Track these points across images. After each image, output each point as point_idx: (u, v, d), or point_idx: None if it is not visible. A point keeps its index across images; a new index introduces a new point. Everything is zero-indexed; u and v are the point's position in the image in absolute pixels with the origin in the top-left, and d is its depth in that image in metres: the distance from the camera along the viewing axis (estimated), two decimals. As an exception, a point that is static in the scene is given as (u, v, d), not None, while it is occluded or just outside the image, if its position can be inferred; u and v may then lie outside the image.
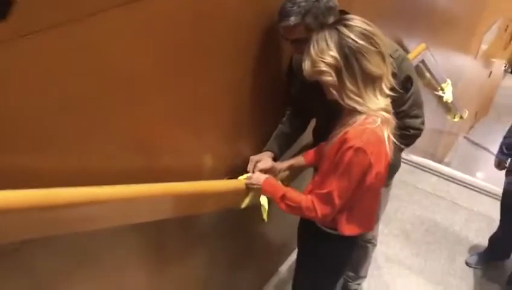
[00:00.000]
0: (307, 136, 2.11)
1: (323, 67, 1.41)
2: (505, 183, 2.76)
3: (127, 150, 1.36)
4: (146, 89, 1.31)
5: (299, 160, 1.90)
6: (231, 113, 1.78)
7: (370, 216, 1.74)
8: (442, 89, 4.27)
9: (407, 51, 3.17)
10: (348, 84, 1.40)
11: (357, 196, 1.54)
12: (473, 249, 3.27)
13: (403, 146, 1.92)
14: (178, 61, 1.38)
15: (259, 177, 1.76)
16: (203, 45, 1.45)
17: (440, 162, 5.89)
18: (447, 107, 4.96)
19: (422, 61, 3.44)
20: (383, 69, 1.42)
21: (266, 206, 1.83)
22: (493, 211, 3.29)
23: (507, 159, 2.84)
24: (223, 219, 1.99)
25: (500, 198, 2.95)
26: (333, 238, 1.69)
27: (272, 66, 1.92)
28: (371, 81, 1.41)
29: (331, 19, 1.62)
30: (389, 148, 1.49)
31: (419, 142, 2.00)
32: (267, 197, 1.81)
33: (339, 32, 1.39)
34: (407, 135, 1.88)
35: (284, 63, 1.94)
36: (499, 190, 2.94)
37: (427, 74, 3.83)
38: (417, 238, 3.33)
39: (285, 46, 1.80)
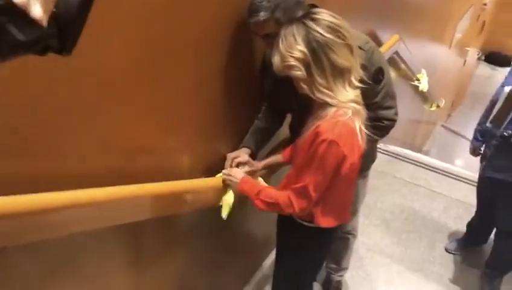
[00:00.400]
0: (285, 130, 2.12)
1: (292, 62, 1.42)
2: (480, 169, 2.81)
3: (101, 151, 1.34)
4: (118, 89, 1.31)
5: (278, 158, 1.91)
6: (206, 111, 1.77)
7: (345, 207, 1.76)
8: (417, 79, 4.31)
9: (380, 43, 3.20)
10: (317, 78, 1.42)
11: (331, 188, 1.55)
12: (452, 235, 3.33)
13: (377, 137, 1.95)
14: (149, 60, 1.37)
15: (237, 173, 1.76)
16: (174, 43, 1.45)
17: (419, 151, 5.97)
18: (424, 97, 5.02)
19: (396, 53, 3.46)
20: (351, 61, 1.44)
21: (231, 202, 1.82)
22: (471, 197, 3.34)
23: (481, 145, 2.90)
24: (204, 216, 1.99)
25: (476, 184, 3.01)
26: (310, 231, 1.71)
27: (246, 61, 1.92)
28: (340, 73, 1.43)
29: (300, 13, 1.61)
30: (361, 139, 1.50)
31: (397, 132, 2.02)
32: (236, 196, 1.82)
33: (306, 26, 1.40)
34: (381, 126, 1.90)
35: (258, 58, 1.94)
36: (475, 176, 3.00)
37: (402, 65, 3.86)
38: (397, 227, 3.37)
39: (258, 41, 1.81)
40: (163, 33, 1.39)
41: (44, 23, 0.51)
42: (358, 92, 1.50)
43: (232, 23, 1.70)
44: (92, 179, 1.29)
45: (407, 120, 5.00)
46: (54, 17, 0.52)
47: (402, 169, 4.06)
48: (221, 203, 1.83)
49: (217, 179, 1.83)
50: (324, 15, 1.42)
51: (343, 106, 1.46)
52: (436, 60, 5.71)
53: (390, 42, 3.28)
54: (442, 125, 7.48)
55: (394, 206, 3.59)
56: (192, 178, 1.78)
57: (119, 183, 1.35)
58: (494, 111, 2.38)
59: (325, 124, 1.45)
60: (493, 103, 2.53)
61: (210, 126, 1.84)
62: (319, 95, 1.45)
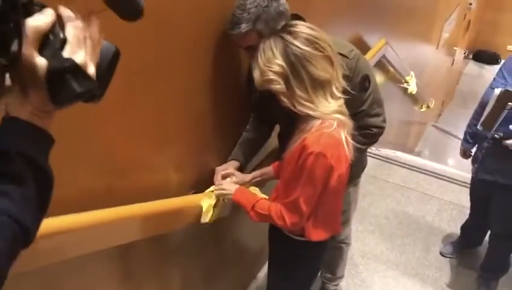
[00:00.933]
0: (274, 141, 2.09)
1: (271, 76, 1.41)
2: (472, 171, 2.80)
3: (87, 171, 1.31)
4: (104, 106, 1.27)
5: (267, 170, 1.88)
6: (192, 124, 1.75)
7: (335, 219, 1.74)
8: (406, 82, 4.32)
9: (368, 47, 3.18)
10: (297, 91, 1.41)
11: (321, 200, 1.53)
12: (446, 238, 3.31)
13: (366, 146, 1.93)
14: (136, 75, 1.34)
15: (229, 185, 1.74)
16: (160, 58, 1.42)
17: (411, 152, 5.97)
18: (414, 99, 5.03)
19: (384, 57, 3.45)
20: (331, 73, 1.42)
21: (211, 207, 1.78)
22: (464, 199, 3.33)
23: (472, 147, 2.88)
24: (195, 231, 1.95)
25: (468, 185, 3.00)
26: (302, 244, 1.68)
27: (233, 74, 1.90)
28: (320, 86, 1.42)
29: (283, 23, 1.60)
30: (348, 150, 1.49)
31: (388, 134, 2.01)
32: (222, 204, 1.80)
33: (284, 39, 1.40)
34: (370, 134, 1.88)
35: (244, 69, 1.91)
36: (468, 176, 2.98)
37: (390, 68, 3.86)
38: (391, 232, 3.35)
39: (243, 53, 1.78)
40: (154, 49, 1.38)
41: (95, 77, 0.64)
42: (341, 102, 1.49)
43: (219, 35, 1.67)
44: (77, 200, 1.26)
45: (397, 122, 5.00)
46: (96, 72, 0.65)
47: (394, 173, 4.04)
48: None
49: (207, 195, 1.79)
50: (302, 27, 1.42)
51: (327, 117, 1.44)
52: (424, 61, 5.72)
53: (377, 47, 3.27)
54: (433, 125, 7.49)
55: (388, 211, 3.56)
56: (181, 193, 1.76)
57: (107, 204, 1.33)
58: (485, 113, 2.37)
59: (310, 137, 1.43)
60: (483, 105, 2.52)
61: (198, 139, 1.81)
62: (300, 108, 1.44)
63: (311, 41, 1.39)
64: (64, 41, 0.61)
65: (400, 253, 3.16)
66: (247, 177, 1.85)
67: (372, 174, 3.87)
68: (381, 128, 1.91)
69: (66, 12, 0.63)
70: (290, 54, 1.38)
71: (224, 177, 1.82)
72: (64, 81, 0.60)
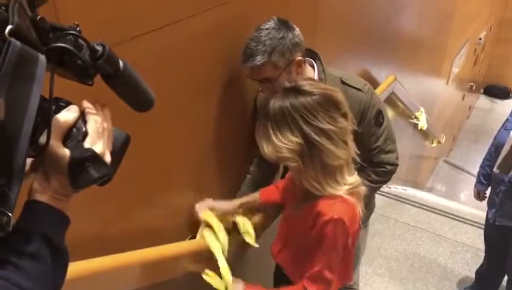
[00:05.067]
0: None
1: (287, 154, 1.31)
2: (488, 216, 2.68)
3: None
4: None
5: (254, 198, 1.77)
6: (193, 167, 1.69)
7: (348, 269, 1.66)
8: (416, 118, 4.25)
9: (377, 83, 3.13)
10: (309, 171, 1.34)
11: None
12: (460, 283, 3.17)
13: (379, 185, 1.87)
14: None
15: (238, 286, 1.61)
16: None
17: (422, 187, 5.84)
18: (424, 134, 4.95)
19: (393, 93, 3.40)
20: (343, 155, 1.34)
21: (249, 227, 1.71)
22: (478, 241, 3.21)
23: (486, 189, 2.79)
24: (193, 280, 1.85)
25: (482, 226, 2.88)
26: None
27: (237, 109, 1.85)
28: (332, 170, 1.35)
29: (299, 55, 1.58)
30: (360, 210, 1.43)
31: (399, 170, 1.94)
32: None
33: (300, 111, 1.29)
34: (383, 171, 1.82)
35: (249, 104, 1.88)
36: (481, 215, 2.86)
37: (400, 104, 3.79)
38: (402, 275, 3.21)
39: (249, 86, 1.73)
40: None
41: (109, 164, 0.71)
42: (355, 177, 1.42)
43: (227, 68, 1.66)
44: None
45: (408, 157, 4.91)
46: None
47: (405, 212, 3.91)
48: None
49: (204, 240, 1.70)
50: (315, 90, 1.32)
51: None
52: (434, 96, 5.67)
53: (386, 83, 3.22)
54: (445, 160, 7.37)
55: (398, 252, 3.43)
56: (176, 239, 1.67)
57: (99, 251, 1.28)
58: (501, 156, 2.28)
59: (324, 204, 1.38)
60: (497, 147, 2.44)
61: (199, 181, 1.76)
62: (306, 184, 1.38)
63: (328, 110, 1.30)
64: (86, 134, 0.69)
65: (411, 298, 3.01)
66: (229, 205, 1.75)
67: (382, 213, 3.75)
68: (395, 166, 1.85)
69: (88, 106, 0.72)
70: (308, 131, 1.28)
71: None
72: (85, 168, 0.67)
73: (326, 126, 1.28)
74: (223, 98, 1.69)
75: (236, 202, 1.78)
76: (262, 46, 1.53)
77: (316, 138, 1.28)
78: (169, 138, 1.52)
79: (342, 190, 1.37)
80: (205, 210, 1.69)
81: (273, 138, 1.30)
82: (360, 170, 1.73)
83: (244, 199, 1.80)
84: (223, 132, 1.76)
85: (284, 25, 1.57)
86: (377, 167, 1.80)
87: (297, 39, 1.58)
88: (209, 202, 1.74)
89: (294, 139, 1.28)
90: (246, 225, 1.73)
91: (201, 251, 1.68)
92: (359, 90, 1.69)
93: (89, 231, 1.33)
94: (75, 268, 1.18)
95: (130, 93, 0.73)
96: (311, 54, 1.74)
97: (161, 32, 1.32)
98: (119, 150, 0.76)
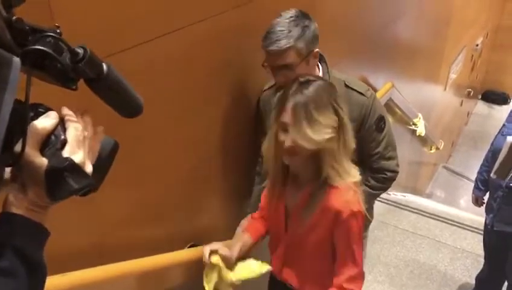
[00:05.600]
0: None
1: (332, 133, 1.31)
2: (486, 221, 2.68)
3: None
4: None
5: (246, 239, 1.62)
6: (192, 169, 1.69)
7: None
8: (414, 124, 4.26)
9: (374, 90, 3.13)
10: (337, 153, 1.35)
11: None
12: (460, 289, 3.18)
13: (379, 191, 1.86)
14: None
15: None
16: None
17: (422, 194, 5.84)
18: (422, 140, 4.96)
19: (391, 100, 3.41)
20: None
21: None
22: (478, 247, 3.20)
23: (484, 195, 2.79)
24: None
25: (482, 231, 2.87)
26: None
27: (239, 119, 1.86)
28: (349, 153, 1.38)
29: (317, 47, 1.60)
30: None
31: (399, 176, 1.93)
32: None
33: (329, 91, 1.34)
34: (384, 178, 1.81)
35: (250, 116, 1.89)
36: (481, 220, 2.86)
37: (398, 111, 3.81)
38: (402, 282, 3.20)
39: (250, 90, 1.73)
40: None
41: (91, 175, 0.67)
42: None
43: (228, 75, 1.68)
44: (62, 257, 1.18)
45: (407, 164, 4.91)
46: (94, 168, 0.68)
47: (404, 218, 3.91)
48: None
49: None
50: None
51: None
52: (432, 102, 5.68)
53: (384, 90, 3.24)
54: (444, 166, 7.37)
55: (398, 259, 3.42)
56: (175, 248, 1.67)
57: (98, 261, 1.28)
58: (498, 162, 2.28)
59: (336, 198, 1.38)
60: (494, 153, 2.44)
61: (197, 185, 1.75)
62: (329, 170, 1.36)
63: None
64: (64, 142, 0.65)
65: (411, 305, 3.00)
66: (234, 253, 1.56)
67: (382, 220, 3.74)
68: (395, 173, 1.84)
69: (68, 113, 0.67)
70: (338, 108, 1.32)
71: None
72: (63, 178, 0.63)
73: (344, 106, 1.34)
74: (225, 104, 1.71)
75: (237, 250, 1.58)
76: (288, 31, 1.52)
77: (343, 116, 1.33)
78: (171, 144, 1.53)
79: (355, 177, 1.39)
80: (214, 254, 1.54)
81: (320, 119, 1.28)
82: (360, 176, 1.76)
83: (241, 245, 1.59)
84: (227, 136, 1.78)
85: (306, 15, 1.58)
86: (376, 173, 1.78)
87: (317, 31, 1.59)
88: (217, 245, 1.58)
89: (334, 117, 1.31)
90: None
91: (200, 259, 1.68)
92: (362, 94, 1.69)
93: (87, 242, 1.34)
94: (74, 277, 1.20)
95: (115, 98, 0.70)
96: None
97: (159, 40, 1.33)
98: (106, 157, 0.72)
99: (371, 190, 1.78)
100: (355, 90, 1.70)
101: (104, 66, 0.67)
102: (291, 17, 1.54)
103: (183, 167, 1.64)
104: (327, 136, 1.29)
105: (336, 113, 1.31)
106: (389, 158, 1.80)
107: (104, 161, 0.72)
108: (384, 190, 1.88)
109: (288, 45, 1.52)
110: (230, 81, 1.73)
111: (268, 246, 1.67)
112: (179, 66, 1.45)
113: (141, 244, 1.57)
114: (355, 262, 1.44)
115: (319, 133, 1.28)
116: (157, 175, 1.52)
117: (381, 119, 1.75)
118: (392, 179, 1.85)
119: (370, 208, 1.98)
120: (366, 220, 1.92)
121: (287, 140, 1.30)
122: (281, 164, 1.44)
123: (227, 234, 1.85)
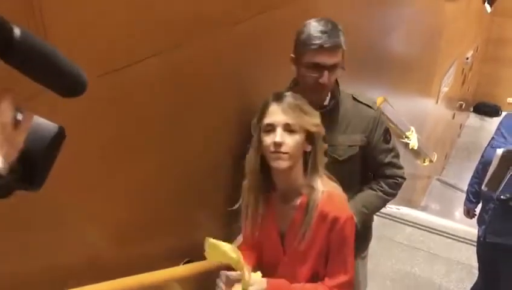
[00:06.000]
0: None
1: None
2: (478, 232, 2.70)
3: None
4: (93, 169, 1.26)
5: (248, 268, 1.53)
6: (187, 183, 1.70)
7: None
8: (407, 137, 4.30)
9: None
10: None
11: None
12: (456, 301, 3.16)
13: (390, 197, 1.86)
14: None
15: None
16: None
17: (417, 207, 5.86)
18: (416, 153, 4.99)
19: (383, 113, 3.44)
20: None
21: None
22: (473, 259, 3.20)
23: (475, 206, 2.82)
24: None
25: (474, 243, 2.89)
26: None
27: (233, 134, 1.88)
28: None
29: None
30: None
31: None
32: None
33: None
34: (395, 183, 1.84)
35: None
36: (475, 232, 2.88)
37: (390, 124, 3.85)
38: (398, 295, 3.20)
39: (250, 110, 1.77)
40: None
41: (4, 172, 0.52)
42: None
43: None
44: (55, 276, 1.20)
45: (401, 177, 4.93)
46: (21, 159, 0.55)
47: (399, 231, 3.92)
48: None
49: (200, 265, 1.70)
50: None
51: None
52: (424, 115, 5.74)
53: (377, 103, 3.26)
54: (438, 179, 7.42)
55: (393, 272, 3.42)
56: (170, 264, 1.68)
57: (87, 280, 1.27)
58: (489, 174, 2.31)
59: (327, 204, 1.41)
60: (484, 165, 2.48)
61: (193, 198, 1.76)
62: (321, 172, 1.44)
63: None
64: None
65: (407, 319, 3.00)
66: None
67: (377, 234, 3.74)
68: (404, 180, 1.87)
69: None
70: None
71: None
72: None
73: None
74: (221, 117, 1.74)
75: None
76: (337, 31, 1.56)
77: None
78: (167, 159, 1.55)
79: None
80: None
81: (308, 108, 1.42)
82: (373, 182, 1.82)
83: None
84: (222, 150, 1.81)
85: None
86: (389, 179, 1.81)
87: None
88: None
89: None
90: None
91: (195, 275, 1.69)
92: (369, 107, 1.73)
93: (83, 259, 1.35)
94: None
95: (38, 71, 0.56)
96: None
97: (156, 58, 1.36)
98: (45, 148, 0.58)
99: (384, 195, 1.81)
100: (363, 104, 1.73)
101: (16, 30, 0.53)
102: (327, 21, 1.58)
103: (180, 181, 1.66)
104: (319, 121, 1.40)
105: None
106: (399, 167, 1.85)
107: (41, 153, 0.58)
108: (394, 196, 1.88)
109: (340, 43, 1.57)
110: (231, 93, 1.76)
111: (262, 273, 1.54)
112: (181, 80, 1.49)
113: (136, 261, 1.58)
114: (346, 269, 1.46)
115: (313, 117, 1.39)
116: (152, 189, 1.53)
117: (387, 131, 1.80)
118: (401, 185, 1.88)
119: (369, 228, 2.01)
120: (365, 239, 2.00)
121: (277, 136, 1.34)
122: (263, 179, 1.46)
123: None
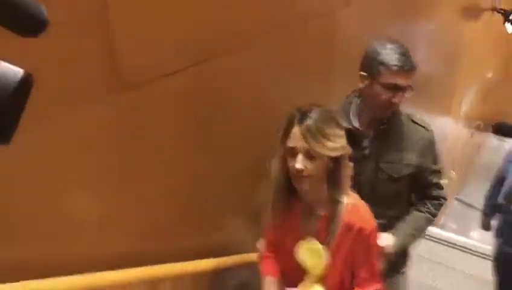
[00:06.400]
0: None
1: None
2: (495, 245, 2.76)
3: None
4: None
5: (270, 283, 1.63)
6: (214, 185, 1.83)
7: None
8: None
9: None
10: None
11: None
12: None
13: (435, 218, 1.89)
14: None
15: None
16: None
17: (435, 225, 5.85)
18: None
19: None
20: None
21: None
22: (486, 273, 3.24)
23: (491, 219, 2.87)
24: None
25: (491, 258, 2.94)
26: None
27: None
28: None
29: None
30: None
31: None
32: None
33: None
34: (439, 204, 1.88)
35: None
36: (489, 248, 2.93)
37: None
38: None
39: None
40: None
41: None
42: None
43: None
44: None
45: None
46: None
47: (419, 245, 3.96)
48: None
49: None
50: None
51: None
52: (444, 135, 5.76)
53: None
54: (456, 198, 7.38)
55: (415, 284, 3.47)
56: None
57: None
58: (506, 187, 2.38)
59: (353, 214, 1.46)
60: (500, 179, 2.55)
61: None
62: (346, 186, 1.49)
63: None
64: None
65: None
66: None
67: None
68: (446, 200, 1.91)
69: None
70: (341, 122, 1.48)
71: None
72: None
73: None
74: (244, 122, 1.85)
75: None
76: (410, 54, 1.68)
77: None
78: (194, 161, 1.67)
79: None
80: None
81: (330, 131, 1.42)
82: (419, 203, 1.84)
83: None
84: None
85: None
86: (434, 200, 1.85)
87: None
88: None
89: (340, 130, 1.45)
90: None
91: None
92: (425, 128, 1.81)
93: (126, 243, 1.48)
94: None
95: None
96: None
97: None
98: (9, 97, 0.49)
99: (430, 216, 1.85)
100: (420, 125, 1.81)
101: None
102: (401, 43, 1.69)
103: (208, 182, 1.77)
104: (343, 142, 1.40)
105: (340, 127, 1.41)
106: (443, 187, 1.89)
107: (4, 102, 0.49)
108: (436, 216, 1.90)
109: (416, 66, 1.68)
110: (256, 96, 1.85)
111: (284, 282, 1.63)
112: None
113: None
114: (377, 278, 1.51)
115: (335, 140, 1.38)
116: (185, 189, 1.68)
117: (438, 153, 1.86)
118: (442, 206, 1.91)
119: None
120: (404, 256, 2.02)
121: (298, 163, 1.36)
122: (288, 194, 1.50)
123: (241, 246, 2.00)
